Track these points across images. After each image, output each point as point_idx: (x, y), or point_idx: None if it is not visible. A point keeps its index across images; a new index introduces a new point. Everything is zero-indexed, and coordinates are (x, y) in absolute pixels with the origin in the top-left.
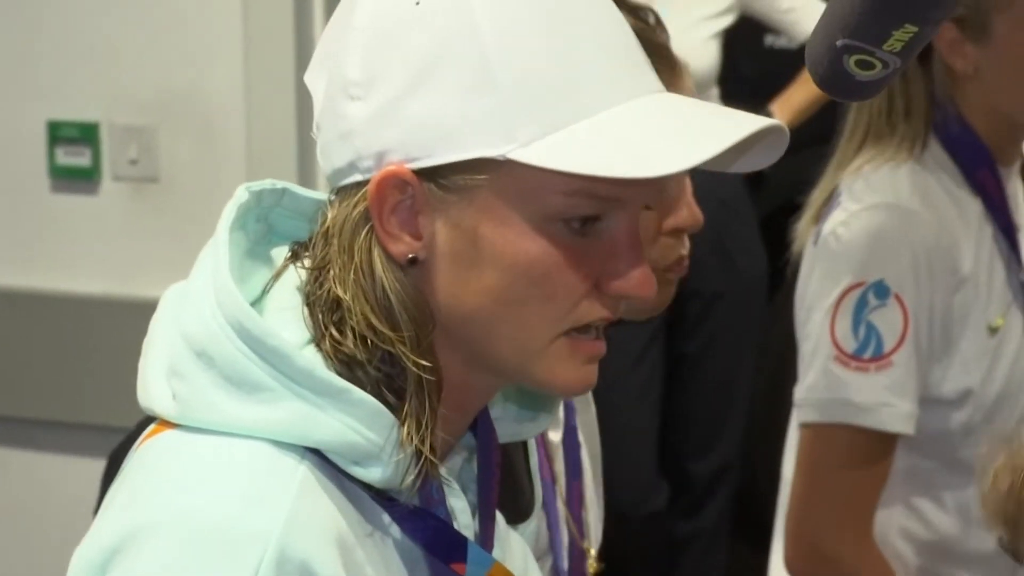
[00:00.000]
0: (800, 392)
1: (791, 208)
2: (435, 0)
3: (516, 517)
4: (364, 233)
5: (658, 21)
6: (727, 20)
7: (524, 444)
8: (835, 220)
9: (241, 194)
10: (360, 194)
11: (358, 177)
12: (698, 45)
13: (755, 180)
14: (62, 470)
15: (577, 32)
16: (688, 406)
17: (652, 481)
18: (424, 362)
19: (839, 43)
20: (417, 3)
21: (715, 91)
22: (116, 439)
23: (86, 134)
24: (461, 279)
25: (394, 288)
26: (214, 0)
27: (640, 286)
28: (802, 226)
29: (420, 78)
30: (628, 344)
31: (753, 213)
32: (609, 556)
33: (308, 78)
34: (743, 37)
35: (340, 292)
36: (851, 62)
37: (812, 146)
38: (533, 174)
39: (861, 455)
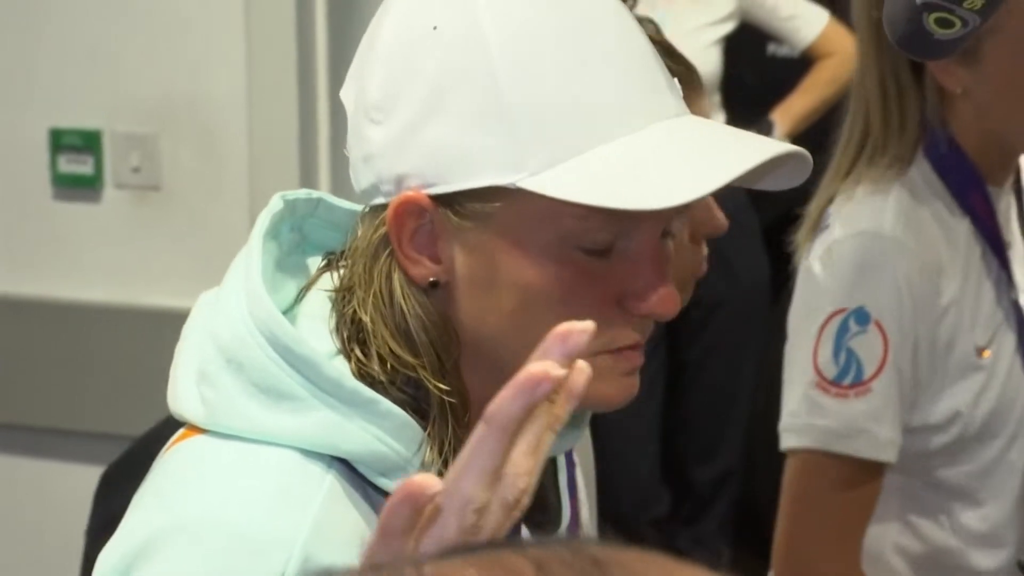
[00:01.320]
0: (783, 418)
1: (793, 217)
2: (451, 26)
3: (542, 533)
4: (384, 257)
5: (657, 31)
6: (728, 27)
7: (553, 460)
8: (821, 246)
9: (276, 203)
10: (380, 218)
11: (381, 199)
12: (699, 52)
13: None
14: (63, 477)
15: (592, 58)
16: (689, 413)
17: (653, 488)
18: (445, 386)
19: (919, 1)
20: (435, 27)
21: (716, 98)
22: (117, 447)
23: (88, 142)
24: (482, 303)
25: (413, 312)
26: (216, 8)
27: (662, 304)
28: (801, 236)
29: (434, 104)
30: None
31: (755, 222)
32: None
33: (343, 94)
34: (745, 45)
35: (362, 315)
36: (930, 20)
37: (813, 155)
38: (546, 202)
39: (843, 482)
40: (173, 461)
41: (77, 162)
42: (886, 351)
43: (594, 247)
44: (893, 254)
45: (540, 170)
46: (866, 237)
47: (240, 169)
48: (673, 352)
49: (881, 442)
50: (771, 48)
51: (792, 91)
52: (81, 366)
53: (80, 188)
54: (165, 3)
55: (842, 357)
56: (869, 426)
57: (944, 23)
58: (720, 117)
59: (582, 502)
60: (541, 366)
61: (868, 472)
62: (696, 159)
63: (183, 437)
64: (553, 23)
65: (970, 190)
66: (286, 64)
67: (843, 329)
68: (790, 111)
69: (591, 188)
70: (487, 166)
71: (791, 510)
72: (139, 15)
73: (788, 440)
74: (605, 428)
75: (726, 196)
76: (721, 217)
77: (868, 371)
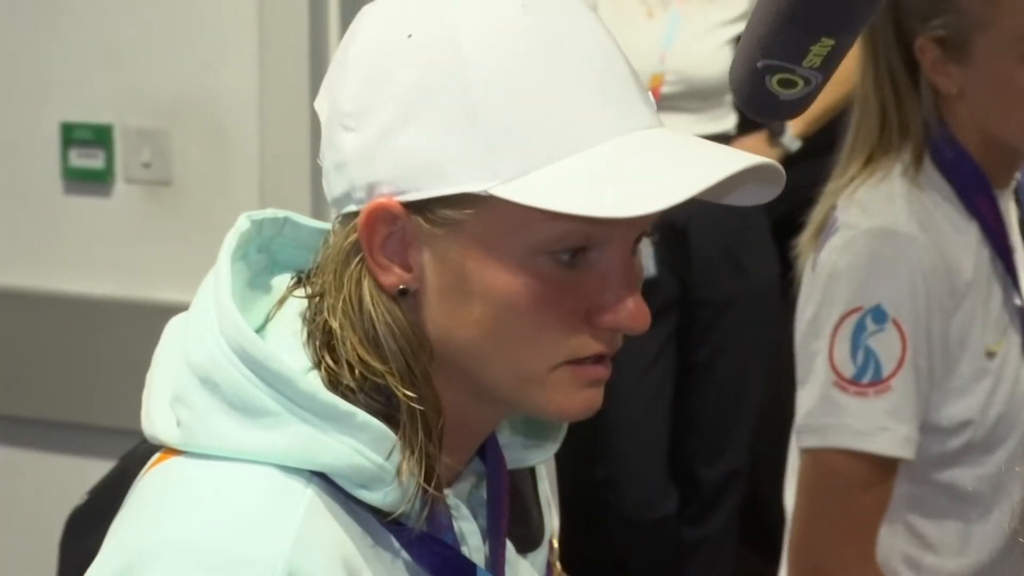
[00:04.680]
0: (799, 418)
1: (803, 215)
2: (425, 33)
3: (525, 545)
4: (355, 263)
5: None
6: (741, 27)
7: (532, 470)
8: (832, 247)
9: (242, 223)
10: (352, 224)
11: (353, 207)
12: (712, 51)
13: None
14: (72, 471)
15: (566, 67)
16: (698, 413)
17: (661, 487)
18: (413, 393)
19: (760, 64)
20: (409, 36)
21: (729, 98)
22: (127, 441)
23: (100, 136)
24: (451, 312)
25: (382, 319)
26: (229, 4)
27: (632, 318)
28: (803, 241)
29: (408, 111)
30: (639, 351)
31: (764, 220)
32: (617, 561)
33: (317, 104)
34: None
35: (332, 321)
36: (773, 82)
37: (825, 154)
38: (517, 209)
39: (861, 479)
40: (151, 484)
41: (88, 156)
42: (904, 349)
43: (564, 257)
44: (907, 249)
45: (512, 178)
46: (879, 234)
47: (251, 165)
48: (682, 351)
49: (901, 439)
50: None
51: None
52: (90, 360)
53: (91, 182)
54: None
55: (860, 356)
56: (890, 423)
57: (787, 83)
58: (732, 118)
59: (552, 514)
60: None
61: (885, 469)
62: (667, 169)
63: (160, 460)
64: (528, 33)
65: (976, 193)
66: (298, 61)
67: (860, 327)
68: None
69: (562, 196)
70: (459, 173)
71: (808, 508)
72: (151, 10)
73: (807, 440)
74: (614, 427)
75: None
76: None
77: (887, 369)
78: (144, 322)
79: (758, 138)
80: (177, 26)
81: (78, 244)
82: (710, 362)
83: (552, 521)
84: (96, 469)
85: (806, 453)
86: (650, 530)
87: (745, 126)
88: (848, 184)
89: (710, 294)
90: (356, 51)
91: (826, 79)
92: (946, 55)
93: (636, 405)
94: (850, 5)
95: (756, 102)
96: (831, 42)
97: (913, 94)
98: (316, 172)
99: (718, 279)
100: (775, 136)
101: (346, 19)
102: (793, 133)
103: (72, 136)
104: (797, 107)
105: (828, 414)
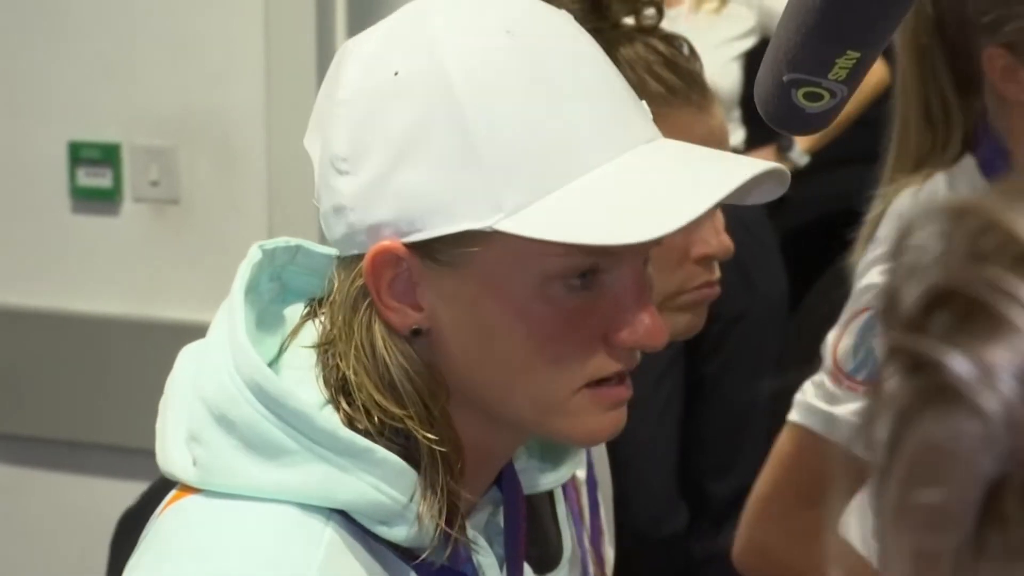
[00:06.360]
0: (797, 394)
1: (811, 228)
2: (412, 69)
3: (544, 567)
4: (363, 308)
5: (692, 51)
6: (750, 42)
7: (550, 494)
8: (868, 261)
9: (254, 253)
10: (357, 269)
11: (355, 250)
12: (721, 66)
13: (775, 200)
14: (80, 490)
15: (559, 92)
16: (707, 428)
17: (671, 503)
18: (434, 435)
19: (785, 78)
20: (396, 73)
21: (737, 112)
22: (135, 460)
23: (107, 155)
24: (467, 349)
25: (396, 363)
26: (235, 21)
27: (649, 335)
28: (856, 253)
29: (403, 151)
30: (648, 365)
31: (773, 234)
32: None
33: (306, 142)
34: None
35: (345, 369)
36: (799, 95)
37: (832, 168)
38: (524, 242)
39: (829, 467)
40: (168, 523)
41: (96, 175)
42: None
43: (576, 283)
44: None
45: (516, 210)
46: None
47: (259, 182)
48: (692, 365)
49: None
50: None
51: None
52: (98, 379)
53: (99, 201)
54: (184, 16)
55: (861, 353)
56: None
57: (813, 97)
58: (740, 133)
59: (608, 531)
60: None
61: (855, 466)
62: (675, 186)
63: (176, 498)
64: (515, 59)
65: None
66: (305, 77)
67: (868, 326)
68: None
69: (570, 225)
70: (462, 210)
71: (771, 478)
72: (158, 28)
73: (793, 414)
74: (623, 443)
75: (742, 209)
76: (727, 241)
77: None
78: (152, 341)
79: (767, 152)
80: (184, 44)
81: (86, 263)
82: (720, 376)
83: (608, 553)
84: (104, 488)
85: (788, 426)
86: (660, 546)
87: (753, 141)
88: (893, 198)
89: (719, 308)
90: (343, 93)
91: (852, 92)
92: (1018, 60)
93: (645, 420)
94: (876, 19)
95: (782, 115)
96: (857, 55)
97: (957, 109)
98: None
99: (727, 293)
100: (783, 151)
101: (353, 33)
102: (801, 148)
103: (80, 155)
104: (823, 120)
105: (817, 397)
